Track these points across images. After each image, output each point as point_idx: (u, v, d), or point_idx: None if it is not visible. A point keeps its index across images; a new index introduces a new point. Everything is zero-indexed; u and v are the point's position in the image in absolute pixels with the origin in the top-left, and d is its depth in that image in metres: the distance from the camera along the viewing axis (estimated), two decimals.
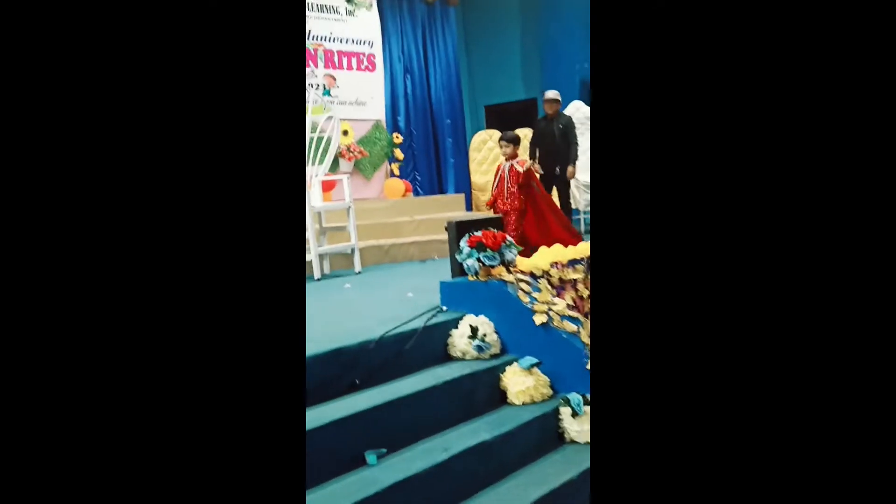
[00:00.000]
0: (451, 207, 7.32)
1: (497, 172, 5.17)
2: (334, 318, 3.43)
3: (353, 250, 5.32)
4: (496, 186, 5.12)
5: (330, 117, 5.55)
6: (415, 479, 2.25)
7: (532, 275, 3.35)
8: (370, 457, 2.38)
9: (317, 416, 2.38)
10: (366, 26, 7.40)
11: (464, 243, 3.32)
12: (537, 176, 5.18)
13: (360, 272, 5.30)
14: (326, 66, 6.93)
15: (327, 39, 7.00)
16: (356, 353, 2.74)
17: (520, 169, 4.96)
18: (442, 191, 8.50)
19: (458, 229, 3.52)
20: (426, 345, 3.01)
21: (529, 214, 4.94)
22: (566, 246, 3.81)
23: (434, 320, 3.13)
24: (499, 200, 5.03)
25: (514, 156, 5.08)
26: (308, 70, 6.73)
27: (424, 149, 8.48)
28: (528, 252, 3.98)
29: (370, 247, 5.90)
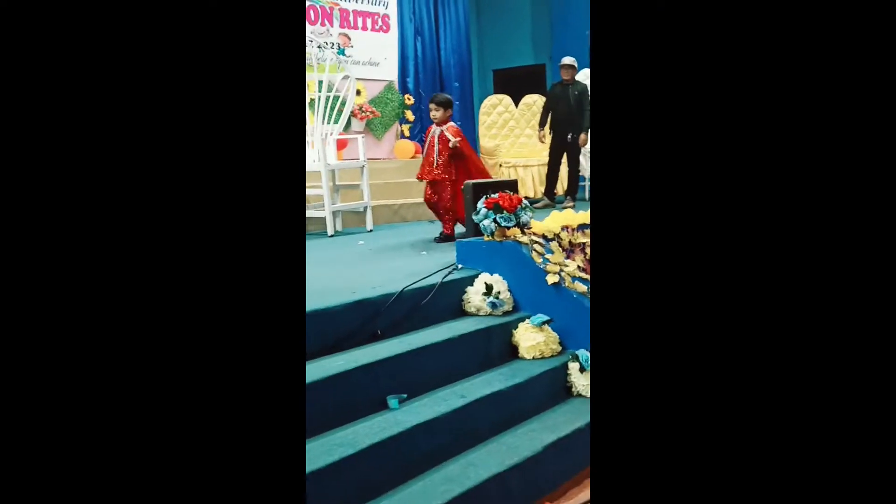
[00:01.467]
0: None
1: (426, 139, 4.72)
2: (353, 272, 3.56)
3: (365, 208, 5.44)
4: (424, 153, 4.71)
5: (346, 77, 5.62)
6: (435, 422, 2.40)
7: (545, 237, 3.48)
8: (392, 401, 2.53)
9: (343, 362, 2.53)
10: None
11: (481, 204, 3.44)
12: (468, 145, 4.71)
13: (371, 230, 5.43)
14: (342, 26, 6.97)
15: None
16: (378, 305, 2.88)
17: (450, 136, 4.53)
18: None
19: (475, 191, 3.64)
20: (442, 300, 3.15)
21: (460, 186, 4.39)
22: None
23: (450, 277, 3.27)
24: (425, 169, 4.63)
25: (444, 121, 4.64)
26: (323, 29, 6.77)
27: None
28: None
29: (380, 206, 6.02)
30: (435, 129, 4.67)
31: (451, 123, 4.73)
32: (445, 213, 4.65)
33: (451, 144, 4.50)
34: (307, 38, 5.56)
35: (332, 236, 5.17)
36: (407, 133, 7.90)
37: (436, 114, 4.70)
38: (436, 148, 4.62)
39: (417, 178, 4.79)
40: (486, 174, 4.64)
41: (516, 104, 8.02)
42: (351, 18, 7.10)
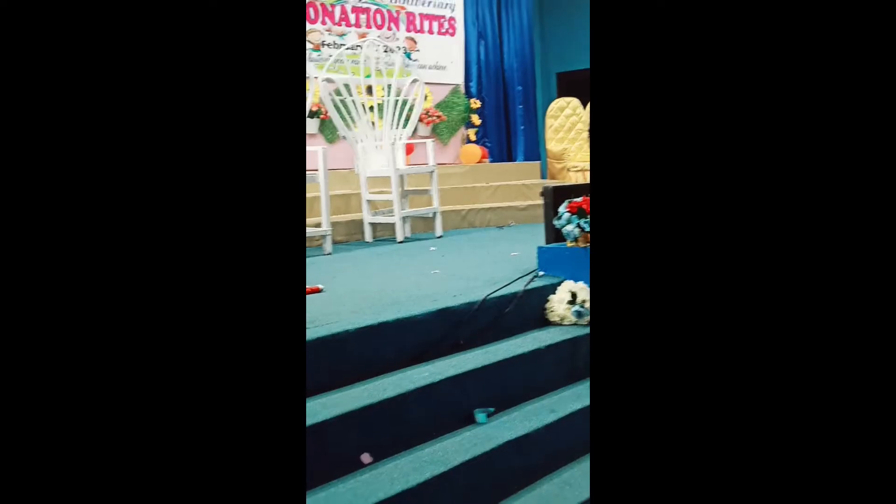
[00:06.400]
0: (527, 175, 7.30)
1: None
2: (430, 279, 3.47)
3: (434, 214, 5.36)
4: None
5: (414, 80, 5.56)
6: (527, 438, 2.29)
7: None
8: (480, 415, 2.43)
9: (428, 373, 2.43)
10: None
11: (563, 209, 3.32)
12: None
13: (440, 236, 5.34)
14: (408, 30, 6.92)
15: (409, 2, 6.98)
16: (460, 313, 2.78)
17: None
18: (511, 158, 8.47)
19: (556, 195, 3.51)
20: (524, 309, 3.04)
21: None
22: None
23: (532, 285, 3.15)
24: None
25: None
26: (390, 33, 6.73)
27: (495, 115, 8.44)
28: None
29: (448, 211, 5.93)
30: None
31: None
32: None
33: None
34: (374, 42, 5.52)
35: (401, 242, 5.10)
36: (473, 137, 7.81)
37: None
38: None
39: None
40: None
41: (584, 107, 7.87)
42: (417, 22, 7.05)
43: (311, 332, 2.36)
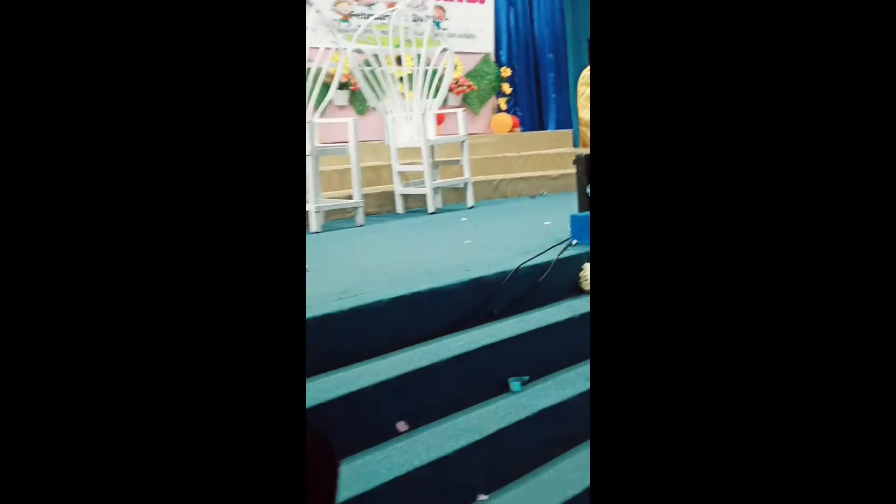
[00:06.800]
0: (558, 144, 7.22)
1: None
2: (462, 249, 3.47)
3: (465, 184, 5.33)
4: None
5: (444, 50, 5.51)
6: (563, 406, 2.29)
7: None
8: (514, 384, 2.43)
9: (463, 342, 2.43)
10: None
11: None
12: None
13: (472, 207, 5.32)
14: None
15: None
16: (493, 283, 2.78)
17: None
18: (542, 127, 8.38)
19: (588, 163, 3.48)
20: (558, 278, 3.02)
21: None
22: None
23: (565, 254, 3.13)
24: None
25: None
26: (419, 2, 6.67)
27: (526, 84, 8.33)
28: None
29: (480, 181, 5.89)
30: None
31: None
32: None
33: None
34: (403, 12, 5.46)
35: (432, 214, 5.10)
36: (504, 107, 7.74)
37: None
38: None
39: None
40: None
41: None
42: None
43: (345, 303, 2.38)
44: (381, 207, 5.34)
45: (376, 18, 5.74)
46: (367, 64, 5.21)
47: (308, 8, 4.82)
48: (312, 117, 4.59)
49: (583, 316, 2.76)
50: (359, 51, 5.24)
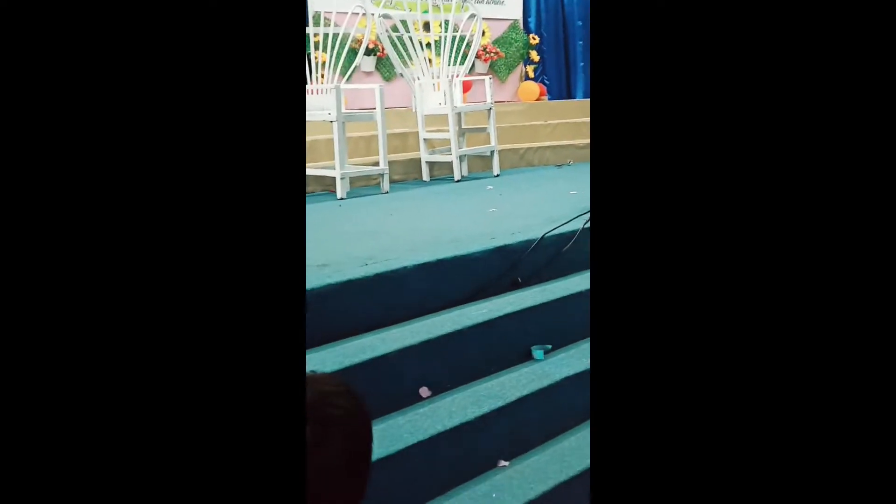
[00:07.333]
0: (585, 113, 7.13)
1: None
2: (488, 217, 3.46)
3: (492, 153, 5.31)
4: None
5: (472, 16, 5.45)
6: (585, 375, 2.29)
7: None
8: (537, 352, 2.43)
9: (486, 310, 2.44)
10: None
11: None
12: None
13: (498, 175, 5.30)
14: None
15: None
16: (518, 251, 2.78)
17: None
18: (570, 95, 8.29)
19: None
20: (583, 247, 3.01)
21: None
22: None
23: (590, 224, 3.11)
24: None
25: None
26: None
27: (554, 51, 8.24)
28: None
29: (506, 150, 5.86)
30: None
31: None
32: None
33: None
34: None
35: (458, 181, 5.09)
36: (531, 74, 7.66)
37: None
38: None
39: None
40: None
41: None
42: None
43: (370, 269, 2.39)
44: (406, 174, 5.33)
45: None
46: (395, 30, 5.17)
47: None
48: (339, 83, 4.58)
49: None
50: (386, 16, 5.20)
